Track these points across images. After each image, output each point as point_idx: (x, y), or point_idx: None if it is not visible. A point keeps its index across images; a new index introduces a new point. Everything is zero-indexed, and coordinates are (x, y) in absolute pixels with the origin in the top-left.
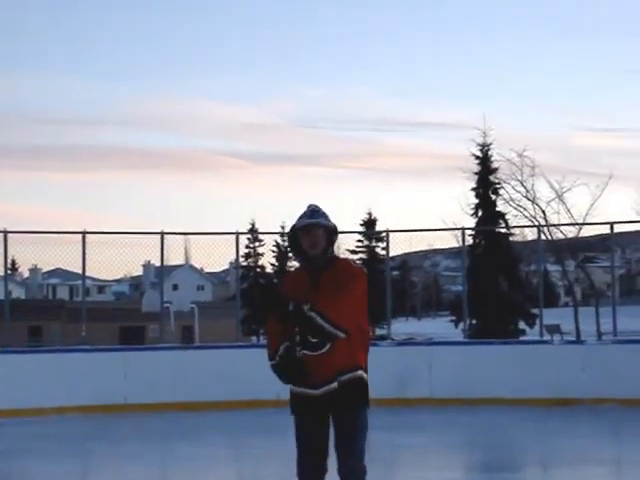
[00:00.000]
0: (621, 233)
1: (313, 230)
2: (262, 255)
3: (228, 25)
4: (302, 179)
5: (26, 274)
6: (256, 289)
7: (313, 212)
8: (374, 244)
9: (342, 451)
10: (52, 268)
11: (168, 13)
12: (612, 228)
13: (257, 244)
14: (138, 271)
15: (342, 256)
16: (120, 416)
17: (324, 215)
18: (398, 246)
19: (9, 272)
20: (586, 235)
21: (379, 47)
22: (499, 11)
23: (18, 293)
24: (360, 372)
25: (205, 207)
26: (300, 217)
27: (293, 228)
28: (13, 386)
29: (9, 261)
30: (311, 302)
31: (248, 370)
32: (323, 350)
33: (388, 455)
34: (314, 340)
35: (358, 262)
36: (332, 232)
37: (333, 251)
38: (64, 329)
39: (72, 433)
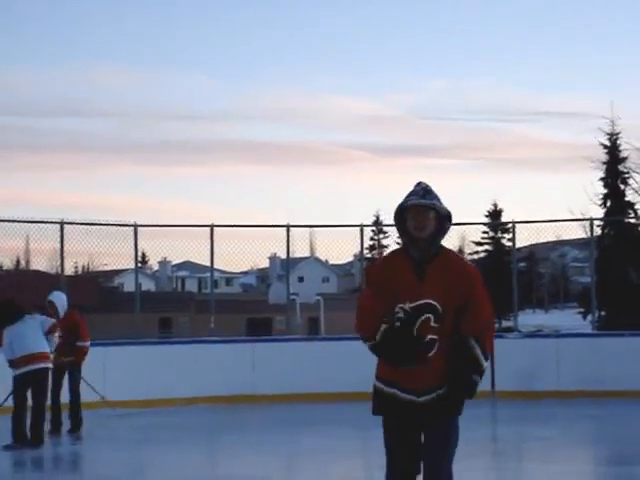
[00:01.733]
0: None
1: (424, 212)
2: (386, 247)
3: (353, 19)
4: (426, 170)
5: (156, 267)
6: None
7: (425, 192)
8: (500, 235)
9: (433, 456)
10: (181, 261)
11: (297, 12)
12: None
13: (381, 236)
14: (265, 263)
15: (457, 249)
16: (248, 406)
17: (437, 197)
18: (525, 237)
19: (139, 265)
20: None
21: (502, 36)
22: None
23: (148, 285)
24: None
25: (330, 200)
26: (409, 195)
27: (400, 206)
28: (144, 377)
29: (139, 254)
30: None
31: (374, 361)
32: (433, 351)
33: (516, 448)
34: (426, 339)
35: (472, 256)
36: (445, 218)
37: (441, 239)
38: (193, 320)
39: (201, 423)
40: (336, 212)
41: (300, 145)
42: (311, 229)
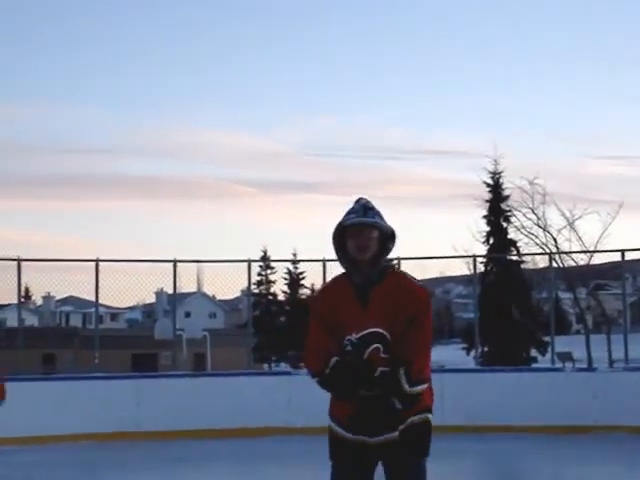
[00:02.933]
0: (632, 260)
1: (365, 231)
2: (274, 282)
3: (239, 53)
4: (313, 206)
5: (39, 302)
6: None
7: (366, 209)
8: None
9: None
10: (65, 296)
11: (182, 44)
12: (623, 255)
13: (269, 272)
14: (151, 299)
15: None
16: (132, 443)
17: (379, 214)
18: (410, 273)
19: (22, 300)
20: (597, 262)
21: (389, 74)
22: (510, 38)
23: (31, 321)
24: (427, 415)
25: (217, 235)
26: (348, 213)
27: (340, 226)
28: (27, 414)
29: (23, 289)
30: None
31: (260, 397)
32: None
33: None
34: (377, 372)
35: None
36: (388, 237)
37: (387, 261)
38: (77, 356)
39: (84, 461)
40: (223, 247)
41: (186, 180)
42: (198, 264)
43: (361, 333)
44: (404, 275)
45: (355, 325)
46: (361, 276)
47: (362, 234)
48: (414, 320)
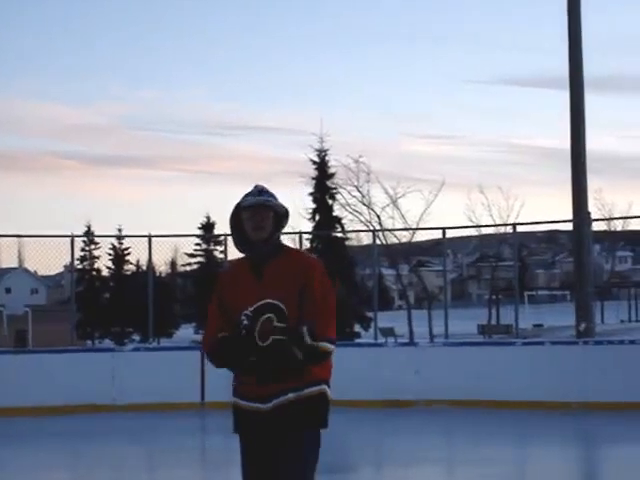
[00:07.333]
0: (453, 238)
1: (261, 211)
2: (98, 258)
3: (59, 23)
4: (138, 181)
5: None
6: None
7: (261, 191)
8: (212, 247)
9: (282, 476)
10: None
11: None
12: (444, 233)
13: (93, 247)
14: None
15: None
16: None
17: (273, 195)
18: (235, 250)
19: None
20: (419, 240)
21: (214, 49)
22: (336, 17)
23: None
24: (324, 387)
25: (38, 209)
26: (245, 195)
27: (237, 207)
28: None
29: None
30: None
31: (83, 374)
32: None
33: (225, 457)
34: (264, 344)
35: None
36: (282, 216)
37: (279, 237)
38: None
39: None
40: (45, 222)
41: (8, 153)
42: (19, 239)
43: (256, 305)
44: (296, 250)
45: (251, 298)
46: (257, 252)
47: (258, 214)
48: (307, 288)
